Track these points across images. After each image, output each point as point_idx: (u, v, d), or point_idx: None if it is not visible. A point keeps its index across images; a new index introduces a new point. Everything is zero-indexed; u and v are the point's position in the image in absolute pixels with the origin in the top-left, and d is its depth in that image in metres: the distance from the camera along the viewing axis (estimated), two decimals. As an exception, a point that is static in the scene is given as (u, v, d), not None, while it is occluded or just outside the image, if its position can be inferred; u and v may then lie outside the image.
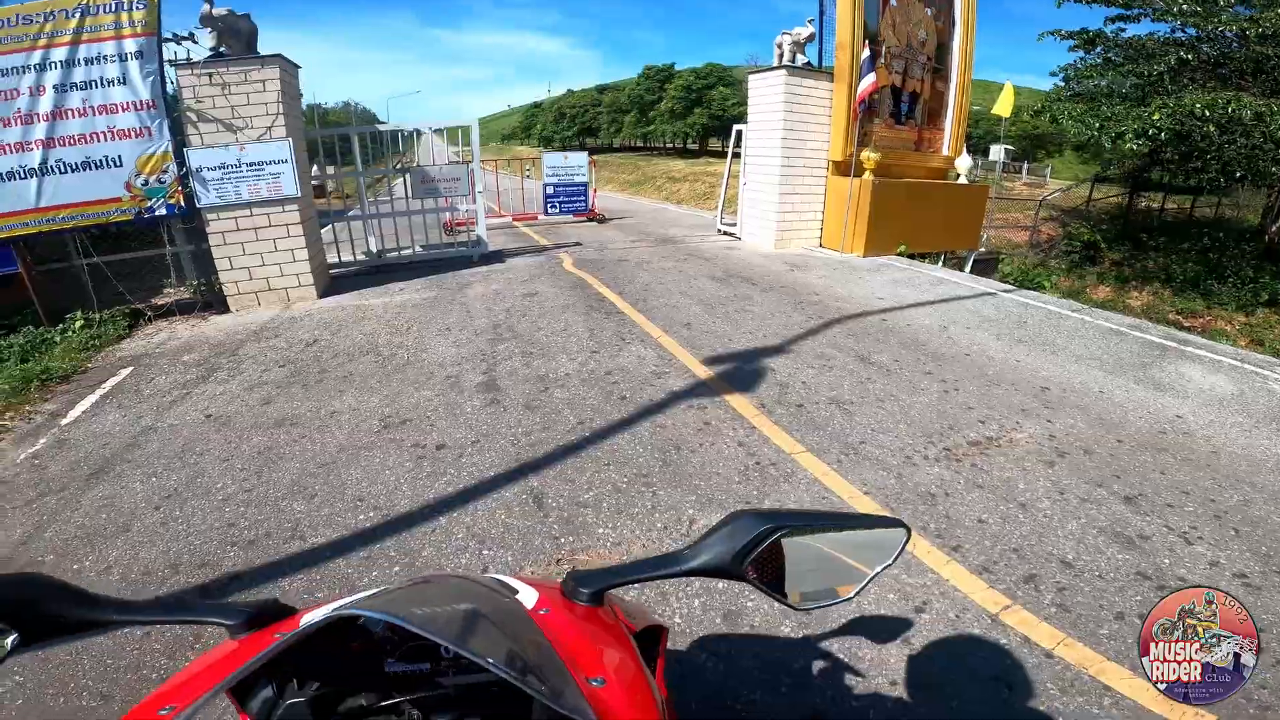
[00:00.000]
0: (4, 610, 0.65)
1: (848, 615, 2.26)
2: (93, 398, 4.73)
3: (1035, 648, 2.14)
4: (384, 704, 0.67)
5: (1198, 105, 9.30)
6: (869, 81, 8.21)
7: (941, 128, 9.97)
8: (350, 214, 9.68)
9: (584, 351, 5.05)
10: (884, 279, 7.66)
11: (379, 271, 8.48)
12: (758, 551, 0.68)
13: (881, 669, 2.05)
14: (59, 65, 6.26)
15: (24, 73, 6.20)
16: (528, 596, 0.73)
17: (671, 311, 6.12)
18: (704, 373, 4.59)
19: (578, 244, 10.39)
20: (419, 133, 13.20)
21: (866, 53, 8.22)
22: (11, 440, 4.16)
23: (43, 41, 6.18)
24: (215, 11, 6.63)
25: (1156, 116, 9.60)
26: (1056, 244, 15.67)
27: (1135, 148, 10.36)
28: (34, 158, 6.31)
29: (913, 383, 4.45)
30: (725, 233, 10.92)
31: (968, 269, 9.87)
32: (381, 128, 9.29)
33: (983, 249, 11.11)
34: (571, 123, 57.60)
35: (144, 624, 0.72)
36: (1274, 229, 13.31)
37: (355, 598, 0.70)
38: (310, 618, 0.65)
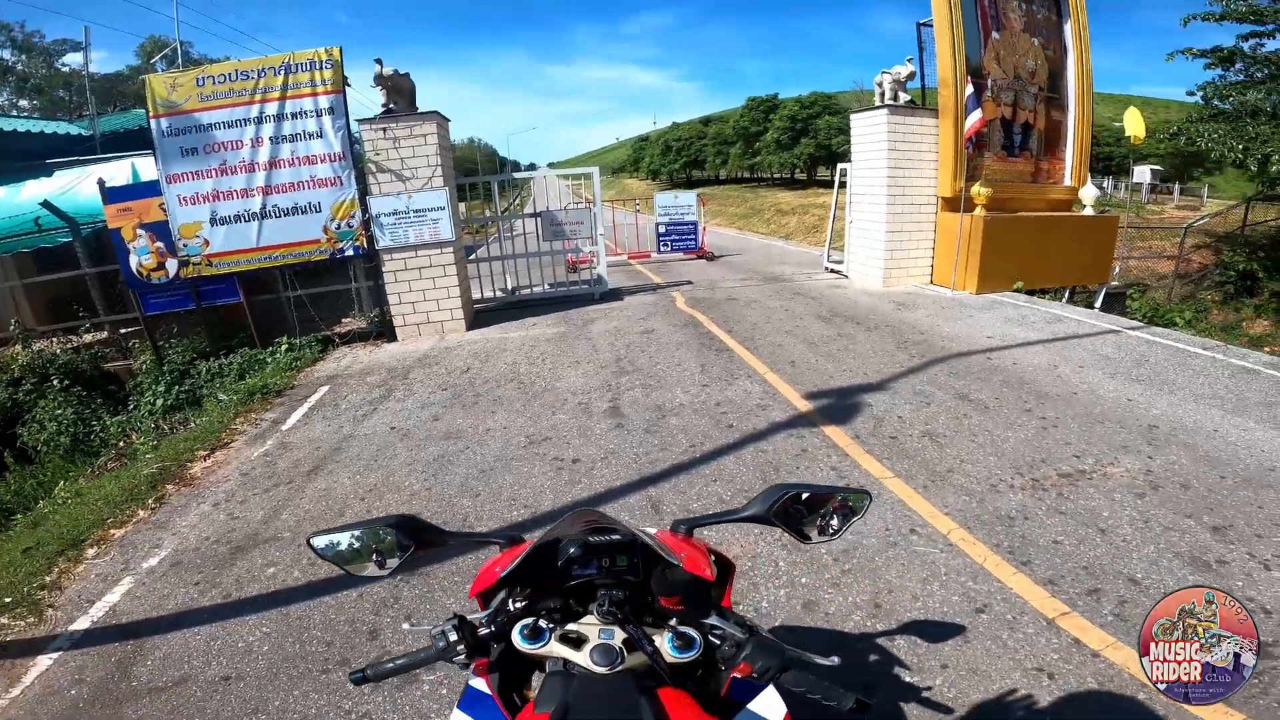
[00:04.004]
0: (410, 531, 1.16)
1: (915, 614, 2.68)
2: (302, 409, 5.93)
3: (1084, 648, 2.43)
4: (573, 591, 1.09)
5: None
6: (975, 118, 8.29)
7: (1061, 158, 9.76)
8: (480, 250, 10.90)
9: (696, 385, 5.66)
10: (995, 317, 7.69)
11: (514, 307, 9.59)
12: (778, 505, 1.18)
13: (937, 654, 2.45)
14: (272, 119, 7.60)
15: (245, 125, 7.61)
16: (654, 531, 1.24)
17: (777, 350, 6.60)
18: (805, 406, 5.04)
19: (689, 282, 11.09)
20: (544, 175, 14.57)
21: (970, 89, 8.29)
22: (245, 440, 5.37)
23: (258, 96, 7.54)
24: (385, 72, 7.93)
25: (1306, 139, 8.91)
26: (1209, 274, 14.45)
27: (1284, 171, 9.61)
28: (256, 203, 7.77)
29: (1010, 419, 4.64)
30: (832, 270, 11.21)
31: (1098, 304, 9.52)
32: (518, 176, 10.54)
33: (1114, 283, 10.63)
34: (678, 155, 58.75)
35: (463, 544, 1.24)
36: None
37: (550, 535, 1.11)
38: (533, 544, 1.13)
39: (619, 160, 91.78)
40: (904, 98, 9.13)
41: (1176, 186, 28.52)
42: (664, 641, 1.00)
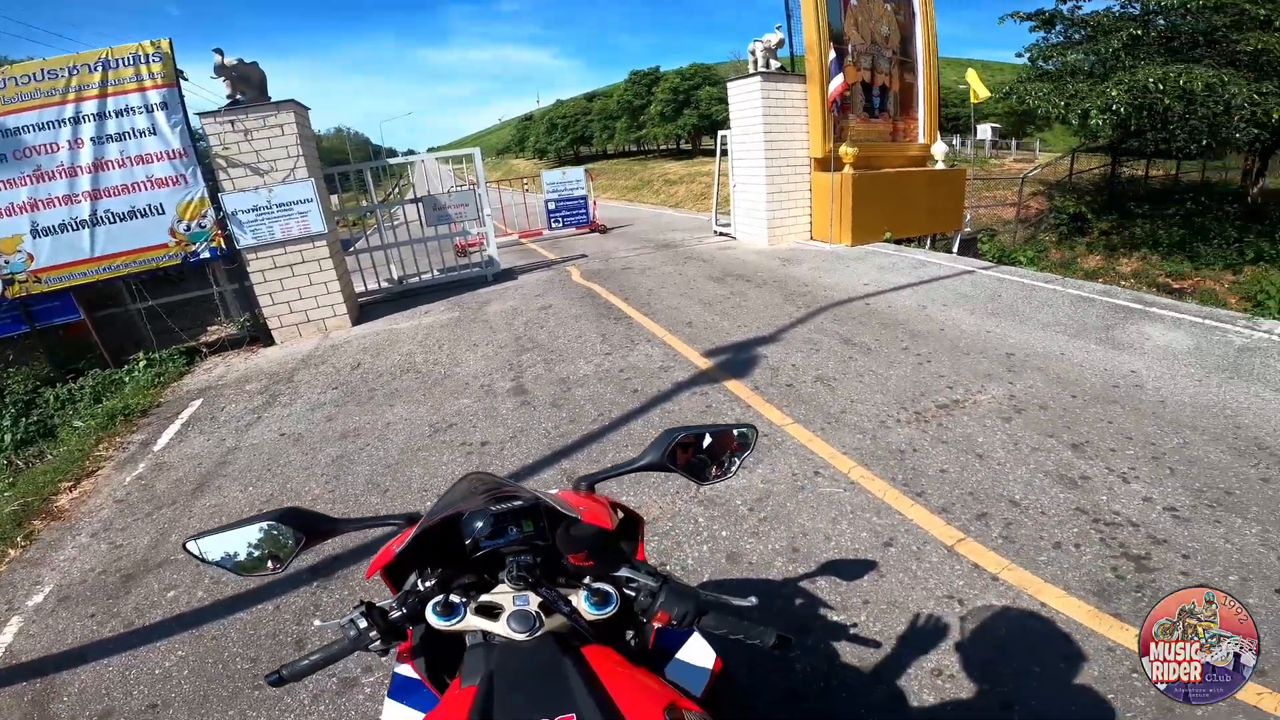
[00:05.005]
0: (298, 523, 1.09)
1: (830, 554, 2.86)
2: (175, 427, 5.40)
3: (983, 573, 2.65)
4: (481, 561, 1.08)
5: (1151, 80, 9.78)
6: (838, 82, 8.76)
7: (915, 117, 10.52)
8: (360, 242, 10.29)
9: (598, 354, 5.68)
10: (869, 266, 8.21)
11: (403, 297, 9.14)
12: (672, 449, 1.21)
13: (857, 591, 2.64)
14: (91, 118, 6.75)
15: (59, 126, 6.71)
16: (555, 491, 1.25)
17: (674, 313, 6.72)
18: (705, 364, 5.19)
19: (583, 256, 11.02)
20: (422, 160, 13.84)
21: (833, 54, 8.76)
22: (113, 466, 4.84)
23: (71, 95, 6.66)
24: (226, 61, 7.20)
25: (1115, 93, 10.09)
26: (1045, 218, 16.13)
27: (1100, 124, 10.83)
28: (84, 209, 6.87)
29: (890, 358, 5.01)
30: (721, 233, 11.52)
31: (955, 249, 10.41)
32: (393, 161, 9.97)
33: (967, 229, 11.63)
34: (564, 133, 57.85)
35: (358, 529, 1.18)
36: (1255, 190, 13.73)
37: (451, 508, 1.10)
38: (431, 517, 1.10)
39: (504, 141, 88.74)
40: (775, 65, 9.44)
41: (1014, 142, 31.48)
42: (580, 600, 1.00)
